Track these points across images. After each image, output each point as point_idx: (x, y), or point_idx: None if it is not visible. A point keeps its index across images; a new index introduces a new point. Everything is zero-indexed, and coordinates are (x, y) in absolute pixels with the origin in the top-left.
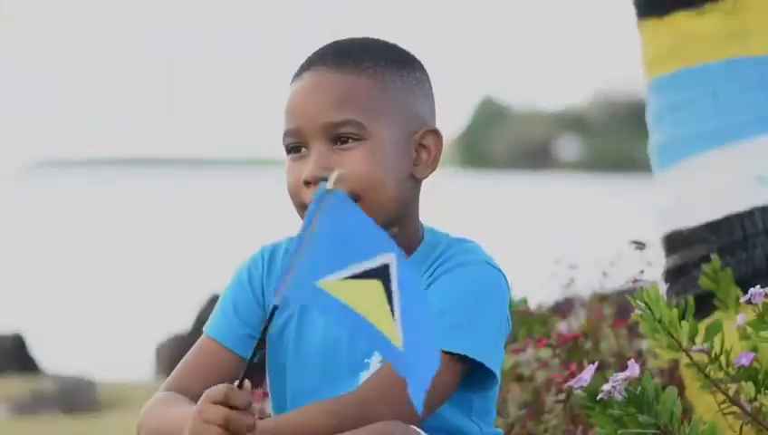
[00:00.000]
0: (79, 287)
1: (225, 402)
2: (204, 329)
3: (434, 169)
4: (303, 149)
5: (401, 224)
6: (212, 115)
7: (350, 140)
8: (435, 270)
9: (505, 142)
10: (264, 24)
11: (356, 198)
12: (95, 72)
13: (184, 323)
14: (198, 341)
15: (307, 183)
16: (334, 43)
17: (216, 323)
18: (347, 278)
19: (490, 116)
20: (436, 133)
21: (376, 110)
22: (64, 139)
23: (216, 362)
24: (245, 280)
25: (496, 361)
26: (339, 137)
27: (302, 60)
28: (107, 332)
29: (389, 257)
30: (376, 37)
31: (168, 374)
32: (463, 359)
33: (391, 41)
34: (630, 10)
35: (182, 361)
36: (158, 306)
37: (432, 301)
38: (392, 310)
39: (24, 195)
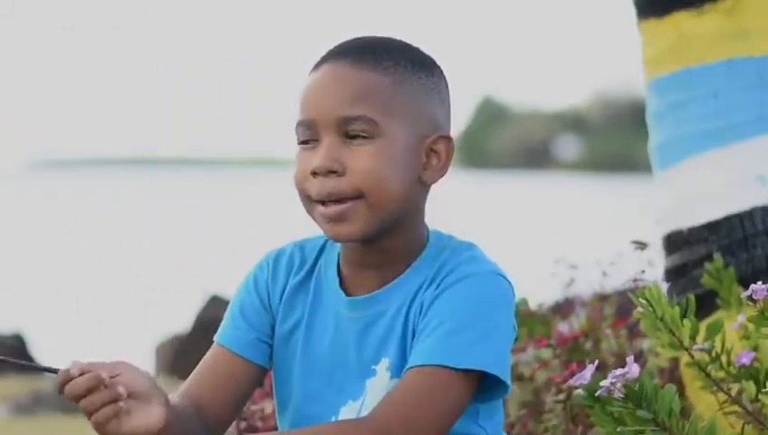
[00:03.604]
0: (79, 287)
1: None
2: (214, 338)
3: (442, 176)
4: (314, 141)
5: (405, 227)
6: (213, 115)
7: (362, 137)
8: (441, 281)
9: (505, 142)
10: (264, 24)
11: (360, 194)
12: (95, 72)
13: (184, 323)
14: (210, 349)
15: (314, 174)
16: (356, 38)
17: (225, 330)
18: None
19: (490, 116)
20: (448, 140)
21: (391, 109)
22: (64, 139)
23: (226, 369)
24: (252, 286)
25: (508, 371)
26: (350, 132)
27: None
28: (107, 332)
29: None
30: (398, 38)
31: (168, 374)
32: (476, 373)
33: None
34: (630, 10)
35: (195, 368)
36: (158, 306)
37: (441, 317)
38: None
39: (24, 195)
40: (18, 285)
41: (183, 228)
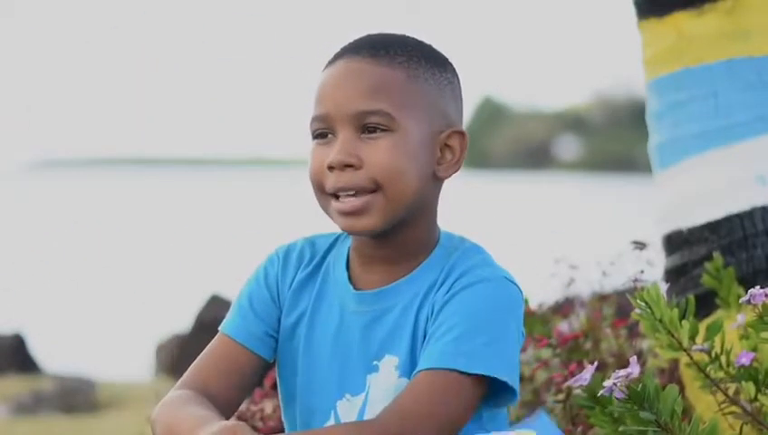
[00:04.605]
0: (79, 287)
1: None
2: (220, 327)
3: (456, 171)
4: (330, 135)
5: (418, 222)
6: (213, 115)
7: (378, 130)
8: (452, 284)
9: (505, 142)
10: (264, 24)
11: (377, 187)
12: (95, 72)
13: (184, 323)
14: (214, 339)
15: (330, 168)
16: (369, 35)
17: (233, 321)
18: None
19: (490, 116)
20: (461, 135)
21: (406, 103)
22: (64, 139)
23: (232, 359)
24: (262, 279)
25: (517, 378)
26: (367, 126)
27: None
28: (107, 332)
29: None
30: (411, 35)
31: (168, 374)
32: (486, 379)
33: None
34: (630, 10)
35: (198, 358)
36: (158, 306)
37: (453, 321)
38: None
39: (24, 195)
40: (18, 285)
41: (183, 228)
